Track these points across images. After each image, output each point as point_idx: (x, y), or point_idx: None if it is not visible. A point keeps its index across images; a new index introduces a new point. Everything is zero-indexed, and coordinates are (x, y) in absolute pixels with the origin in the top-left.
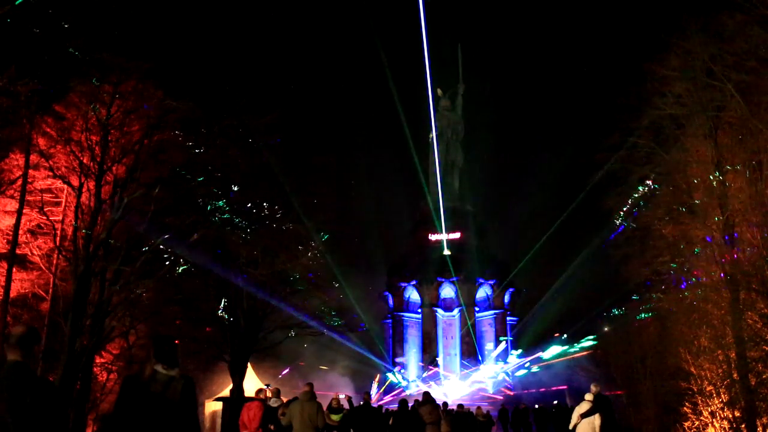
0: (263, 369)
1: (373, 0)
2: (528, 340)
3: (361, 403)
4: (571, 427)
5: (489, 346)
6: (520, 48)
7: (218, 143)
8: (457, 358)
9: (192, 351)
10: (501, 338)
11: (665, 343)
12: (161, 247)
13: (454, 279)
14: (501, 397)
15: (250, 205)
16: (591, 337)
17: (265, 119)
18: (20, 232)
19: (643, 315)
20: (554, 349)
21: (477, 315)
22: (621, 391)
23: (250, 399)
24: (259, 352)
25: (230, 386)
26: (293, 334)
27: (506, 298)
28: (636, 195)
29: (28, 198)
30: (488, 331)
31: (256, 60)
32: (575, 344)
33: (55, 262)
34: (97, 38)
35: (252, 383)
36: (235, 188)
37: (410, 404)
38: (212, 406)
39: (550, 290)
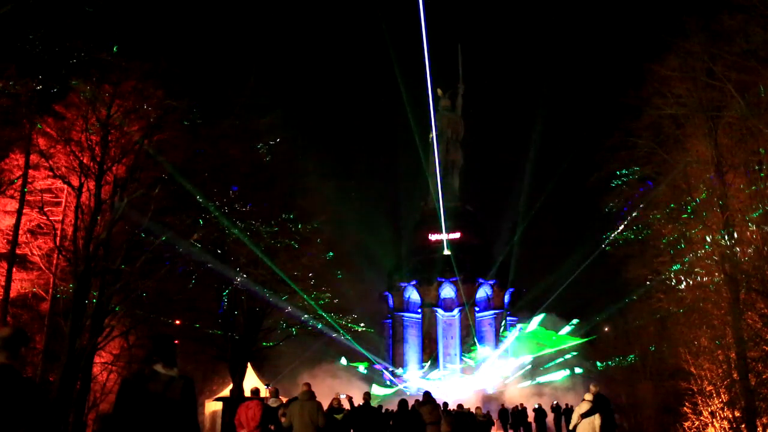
0: (263, 369)
1: (374, 0)
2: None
3: (362, 403)
4: (571, 427)
5: (489, 346)
6: (520, 48)
7: (219, 143)
8: (457, 358)
9: (192, 351)
10: (501, 338)
11: (665, 343)
12: (161, 247)
13: (454, 279)
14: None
15: (250, 205)
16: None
17: (265, 119)
18: (20, 232)
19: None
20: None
21: (477, 315)
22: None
23: (248, 399)
24: (259, 351)
25: (230, 386)
26: (294, 333)
27: (506, 298)
28: (636, 195)
29: (28, 198)
30: (488, 331)
31: (256, 60)
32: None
33: (55, 262)
34: (97, 38)
35: (252, 383)
36: (235, 188)
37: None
38: (212, 406)
39: (549, 290)
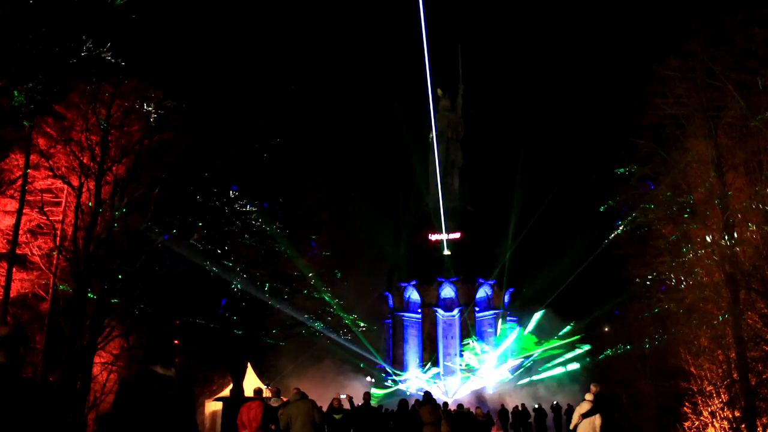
0: (263, 369)
1: (374, 0)
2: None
3: (362, 403)
4: (571, 427)
5: (489, 346)
6: (520, 48)
7: (219, 143)
8: (457, 358)
9: (192, 351)
10: (500, 338)
11: (665, 343)
12: (161, 246)
13: (454, 279)
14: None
15: (250, 205)
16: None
17: (264, 119)
18: (20, 232)
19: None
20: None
21: (477, 315)
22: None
23: (250, 399)
24: (259, 352)
25: (230, 386)
26: (293, 333)
27: (506, 298)
28: (636, 195)
29: (28, 198)
30: (488, 331)
31: (255, 60)
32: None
33: (55, 262)
34: (97, 38)
35: (252, 383)
36: (235, 188)
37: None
38: (212, 406)
39: (550, 290)
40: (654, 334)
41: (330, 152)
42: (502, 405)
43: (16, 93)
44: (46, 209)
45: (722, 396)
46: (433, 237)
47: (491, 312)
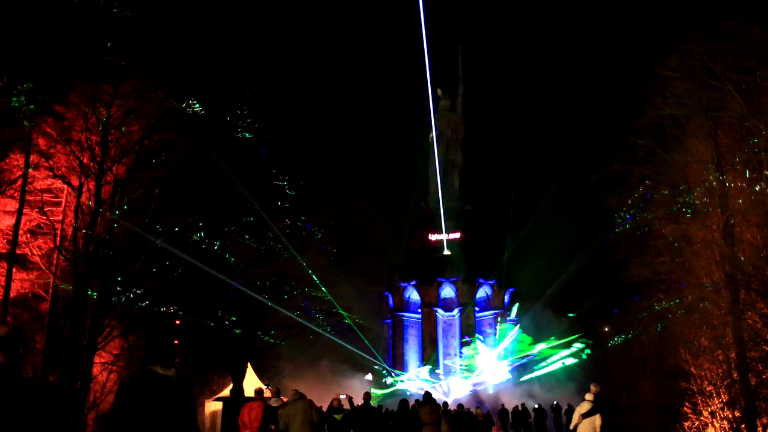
0: (263, 369)
1: (374, 0)
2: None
3: (362, 403)
4: (572, 427)
5: (489, 346)
6: (520, 48)
7: (222, 143)
8: (457, 358)
9: (192, 351)
10: (500, 338)
11: (665, 343)
12: (161, 246)
13: (454, 279)
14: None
15: (249, 205)
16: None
17: (264, 119)
18: (20, 232)
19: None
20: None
21: (477, 315)
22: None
23: (251, 399)
24: (259, 352)
25: (230, 386)
26: (293, 333)
27: (506, 298)
28: (636, 195)
29: (28, 198)
30: (488, 331)
31: (255, 60)
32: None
33: (55, 262)
34: (98, 38)
35: (252, 383)
36: (235, 188)
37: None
38: (212, 406)
39: (550, 290)
40: (654, 334)
41: (330, 152)
42: (502, 405)
43: (15, 93)
44: (46, 209)
45: (722, 396)
46: (433, 237)
47: (491, 312)
